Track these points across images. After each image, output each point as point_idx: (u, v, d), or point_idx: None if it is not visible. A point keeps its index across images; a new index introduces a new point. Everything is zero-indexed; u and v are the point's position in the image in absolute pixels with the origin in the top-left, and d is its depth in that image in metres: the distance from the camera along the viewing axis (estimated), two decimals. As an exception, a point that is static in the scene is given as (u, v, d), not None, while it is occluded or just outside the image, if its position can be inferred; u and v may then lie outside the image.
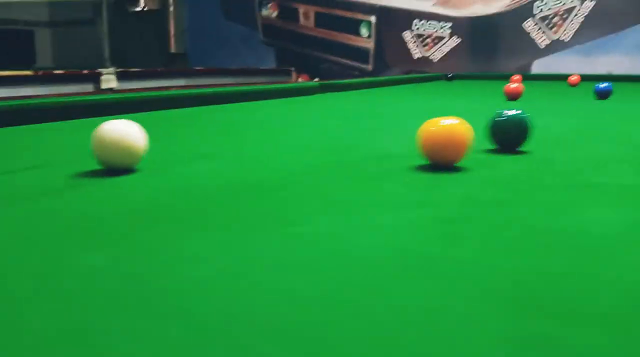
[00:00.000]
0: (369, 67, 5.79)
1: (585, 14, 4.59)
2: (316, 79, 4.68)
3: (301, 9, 6.16)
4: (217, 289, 0.37)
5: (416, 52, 5.50)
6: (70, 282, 0.38)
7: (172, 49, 7.10)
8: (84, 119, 1.45)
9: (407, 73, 5.39)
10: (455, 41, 5.27)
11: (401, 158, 0.87)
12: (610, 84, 2.21)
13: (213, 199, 0.64)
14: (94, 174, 0.74)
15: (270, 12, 6.41)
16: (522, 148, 0.95)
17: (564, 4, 4.71)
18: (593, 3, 4.56)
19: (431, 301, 0.35)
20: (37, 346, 0.29)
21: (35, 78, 3.05)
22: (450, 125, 0.78)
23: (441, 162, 0.80)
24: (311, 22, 6.12)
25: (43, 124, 1.32)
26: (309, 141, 1.11)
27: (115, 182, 0.70)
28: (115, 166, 0.75)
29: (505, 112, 0.93)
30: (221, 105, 1.90)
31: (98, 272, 0.40)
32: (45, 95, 2.23)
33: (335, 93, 2.62)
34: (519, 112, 0.93)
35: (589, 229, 0.51)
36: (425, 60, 5.45)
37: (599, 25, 4.58)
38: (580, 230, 0.51)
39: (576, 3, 4.65)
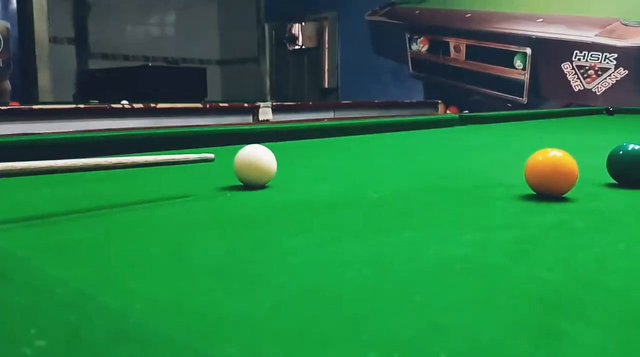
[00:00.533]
0: (523, 99, 5.60)
1: None
2: (465, 112, 4.66)
3: (452, 42, 6.19)
4: (303, 272, 0.48)
5: (576, 84, 5.20)
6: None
7: (325, 84, 7.54)
8: (240, 146, 1.68)
9: (566, 106, 5.11)
10: (621, 73, 4.89)
11: (512, 187, 0.91)
12: None
13: (322, 210, 0.76)
14: (235, 187, 0.91)
15: (420, 46, 6.54)
16: (644, 183, 0.93)
17: None
18: None
19: (480, 295, 0.42)
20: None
21: (203, 110, 3.51)
22: (554, 157, 0.81)
23: (546, 192, 0.83)
24: (462, 55, 6.11)
25: (207, 148, 1.56)
26: (428, 168, 1.19)
27: (250, 195, 0.86)
28: (250, 183, 0.91)
29: (626, 146, 0.92)
30: (358, 136, 2.04)
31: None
32: (211, 124, 2.58)
33: (477, 125, 2.63)
34: (638, 147, 0.91)
35: (664, 256, 0.53)
36: (586, 92, 5.12)
37: None
38: (654, 256, 0.53)
39: None
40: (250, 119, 3.74)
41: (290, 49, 7.61)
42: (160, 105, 3.28)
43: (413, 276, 0.47)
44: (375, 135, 2.10)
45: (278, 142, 1.79)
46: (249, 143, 0.96)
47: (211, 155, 0.91)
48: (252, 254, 0.54)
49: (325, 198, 0.85)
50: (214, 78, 8.10)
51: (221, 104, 3.86)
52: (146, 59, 7.81)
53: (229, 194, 0.87)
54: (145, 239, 0.60)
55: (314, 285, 0.45)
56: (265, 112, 3.80)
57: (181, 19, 8.43)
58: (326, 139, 1.92)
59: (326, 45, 7.46)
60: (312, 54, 7.61)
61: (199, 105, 3.62)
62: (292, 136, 1.89)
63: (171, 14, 8.40)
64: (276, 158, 0.92)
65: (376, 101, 5.43)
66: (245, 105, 3.84)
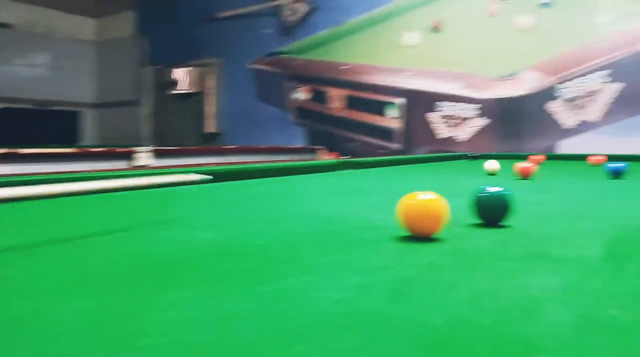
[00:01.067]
0: (397, 146, 5.96)
1: (613, 95, 4.68)
2: (347, 157, 4.84)
3: (332, 92, 6.47)
4: (181, 329, 0.45)
5: (442, 132, 5.65)
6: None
7: (208, 129, 7.48)
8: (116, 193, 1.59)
9: (433, 152, 5.52)
10: (481, 122, 5.40)
11: (388, 229, 0.95)
12: (625, 163, 2.25)
13: (204, 260, 0.73)
14: (109, 234, 0.85)
15: (302, 95, 6.76)
16: (504, 222, 1.02)
17: (590, 85, 4.82)
18: (623, 85, 4.65)
19: (363, 342, 0.42)
20: None
21: (74, 155, 3.30)
22: (426, 199, 0.86)
23: (419, 233, 0.88)
24: (341, 104, 6.40)
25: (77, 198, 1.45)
26: (311, 212, 1.21)
27: (129, 243, 0.80)
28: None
29: (487, 189, 1.01)
30: (243, 181, 2.03)
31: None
32: (83, 171, 2.42)
33: (357, 170, 2.74)
34: (500, 189, 1.00)
35: (522, 292, 0.58)
36: (451, 140, 5.58)
37: (626, 107, 4.65)
38: (513, 291, 0.57)
39: (602, 85, 4.75)
40: (124, 164, 3.58)
41: (173, 93, 7.48)
42: (24, 151, 3.02)
43: (296, 325, 0.47)
44: (259, 180, 2.10)
45: (157, 189, 1.72)
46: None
47: (207, 177, 0.91)
48: (129, 310, 0.50)
49: (207, 247, 0.82)
50: (88, 122, 7.68)
51: (94, 149, 3.65)
52: (12, 100, 7.22)
53: (100, 240, 0.81)
54: (3, 298, 0.54)
55: (191, 343, 0.43)
56: (144, 157, 3.65)
57: (56, 59, 7.96)
58: (209, 184, 1.89)
59: (210, 91, 7.44)
60: (195, 99, 7.54)
61: (71, 150, 3.39)
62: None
63: (44, 54, 7.91)
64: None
65: (260, 146, 5.48)
66: (120, 150, 3.67)
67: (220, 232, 0.96)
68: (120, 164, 3.50)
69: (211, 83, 7.42)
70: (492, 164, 2.50)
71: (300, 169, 2.46)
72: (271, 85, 7.02)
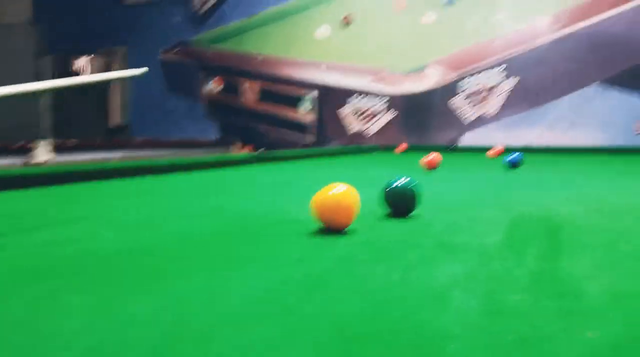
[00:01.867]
0: (312, 139, 6.00)
1: (509, 90, 4.99)
2: (262, 150, 4.81)
3: (245, 84, 6.39)
4: (84, 336, 0.42)
5: (355, 126, 5.76)
6: None
7: (114, 121, 7.13)
8: (11, 191, 1.47)
9: (347, 144, 5.63)
10: (390, 116, 5.57)
11: (304, 223, 0.95)
12: (520, 154, 2.41)
13: (108, 261, 0.69)
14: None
15: (215, 86, 6.61)
16: (413, 213, 1.05)
17: (490, 80, 5.12)
18: (516, 80, 4.97)
19: (281, 339, 0.41)
20: None
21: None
22: (338, 193, 0.87)
23: (332, 226, 0.88)
24: (255, 96, 6.34)
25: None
26: (225, 208, 1.18)
27: (28, 244, 0.74)
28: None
29: (396, 181, 1.04)
30: (151, 176, 1.95)
31: None
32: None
33: (270, 164, 2.72)
34: (407, 181, 1.03)
35: (431, 281, 0.60)
36: (364, 133, 5.70)
37: (522, 101, 4.98)
38: (422, 280, 0.59)
39: (500, 80, 5.07)
40: (23, 160, 3.32)
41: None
42: None
43: (211, 324, 0.45)
44: (170, 175, 2.03)
45: (58, 186, 1.61)
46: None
47: (144, 69, 0.83)
48: (24, 317, 0.46)
49: (112, 247, 0.78)
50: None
51: (-13, 144, 3.36)
52: None
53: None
54: None
55: (94, 348, 0.40)
56: (44, 153, 3.41)
57: None
58: (115, 180, 1.79)
59: (115, 81, 7.08)
60: (100, 90, 7.14)
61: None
62: (75, 178, 1.71)
63: None
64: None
65: (171, 140, 5.30)
66: (18, 145, 3.40)
67: (125, 231, 0.91)
68: (17, 161, 3.25)
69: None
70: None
71: (213, 163, 2.41)
72: (181, 76, 6.81)
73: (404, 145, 4.09)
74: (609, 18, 4.71)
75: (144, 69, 0.86)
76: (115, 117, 7.12)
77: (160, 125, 6.88)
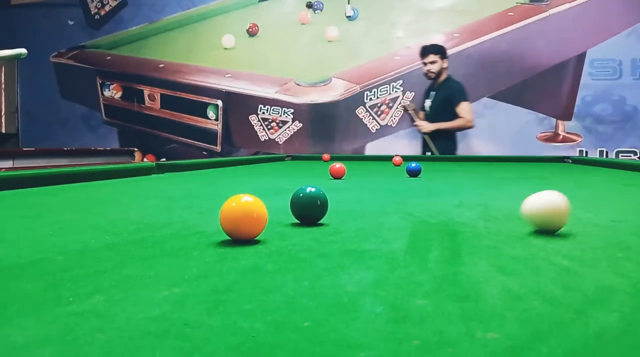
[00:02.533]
0: (217, 148, 5.89)
1: (407, 103, 5.21)
2: (163, 160, 4.63)
3: (146, 91, 6.15)
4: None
5: (262, 135, 5.74)
6: None
7: (2, 129, 6.57)
8: None
9: (254, 154, 5.58)
10: (297, 125, 5.61)
11: (209, 235, 0.92)
12: (419, 164, 2.52)
13: (-13, 283, 0.62)
14: None
15: (113, 93, 6.30)
16: (320, 221, 1.06)
17: (389, 93, 5.33)
18: (412, 94, 5.22)
19: (162, 361, 0.39)
20: None
21: None
22: (245, 202, 0.85)
23: (240, 237, 0.86)
24: (157, 103, 6.12)
25: None
26: (122, 221, 1.11)
27: None
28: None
29: (303, 190, 1.03)
30: (42, 188, 1.80)
31: None
32: None
33: (174, 173, 2.63)
34: (314, 189, 1.03)
35: (339, 289, 0.59)
36: (271, 142, 5.69)
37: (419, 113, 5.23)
38: (331, 289, 0.59)
39: (399, 93, 5.29)
40: None
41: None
42: None
43: (102, 350, 0.42)
44: (63, 186, 1.89)
45: None
46: None
47: (23, 50, 0.71)
48: None
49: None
50: None
51: None
52: None
53: None
54: None
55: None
56: None
57: None
58: (1, 192, 1.64)
59: (2, 86, 6.52)
60: (-18, 95, 6.54)
61: None
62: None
63: None
64: None
65: (65, 148, 4.97)
66: None
67: (9, 248, 0.83)
68: None
69: (4, 77, 6.51)
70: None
71: (110, 173, 2.28)
72: (77, 82, 6.42)
73: (327, 156, 4.26)
74: (494, 39, 5.10)
75: (22, 50, 0.79)
76: (4, 125, 6.55)
77: (55, 133, 6.43)
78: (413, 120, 4.74)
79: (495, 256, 0.77)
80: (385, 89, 5.34)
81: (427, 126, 4.59)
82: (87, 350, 0.41)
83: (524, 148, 5.00)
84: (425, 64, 4.63)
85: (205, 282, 0.62)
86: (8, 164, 3.96)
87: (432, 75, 4.62)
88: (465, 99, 4.52)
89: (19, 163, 3.99)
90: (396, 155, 3.91)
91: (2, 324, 0.47)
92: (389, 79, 5.35)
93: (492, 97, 5.15)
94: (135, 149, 5.74)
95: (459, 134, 4.71)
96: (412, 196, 1.65)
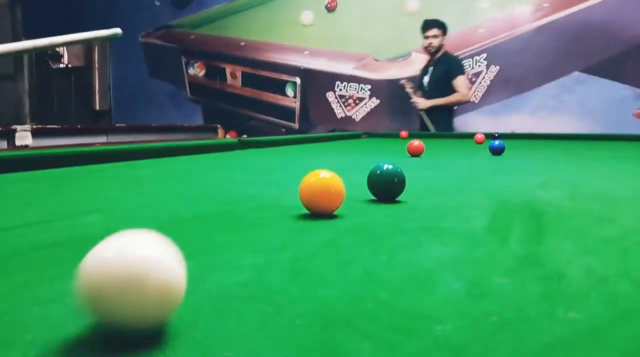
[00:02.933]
0: (295, 125, 5.97)
1: (491, 78, 5.01)
2: (244, 136, 4.78)
3: (228, 69, 6.32)
4: (67, 322, 0.42)
5: (339, 112, 5.75)
6: None
7: (96, 106, 7.02)
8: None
9: (331, 131, 5.61)
10: (374, 102, 5.56)
11: (288, 208, 0.95)
12: (502, 142, 2.43)
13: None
14: None
15: (197, 71, 6.53)
16: (397, 198, 1.06)
17: (472, 68, 5.14)
18: (497, 68, 5.00)
19: (261, 321, 0.41)
20: None
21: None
22: (324, 178, 0.87)
23: (319, 211, 0.89)
24: (238, 81, 6.28)
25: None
26: (208, 193, 1.17)
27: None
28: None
29: (380, 166, 1.04)
30: (134, 161, 1.93)
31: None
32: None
33: (255, 149, 2.71)
34: (393, 166, 1.03)
35: (417, 264, 0.60)
36: (347, 119, 5.69)
37: (503, 89, 5.02)
38: (408, 264, 0.60)
39: (483, 68, 5.09)
40: (5, 144, 3.26)
41: (55, 67, 6.89)
42: None
43: (194, 310, 0.45)
44: (152, 160, 2.01)
45: (39, 171, 1.59)
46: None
47: (118, 30, 0.82)
48: (3, 305, 0.45)
49: (94, 232, 0.77)
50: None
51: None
52: None
53: (-29, 235, 0.73)
54: None
55: (80, 336, 0.39)
56: (23, 137, 3.35)
57: None
58: (97, 165, 1.77)
59: (96, 65, 6.95)
60: (81, 74, 7.01)
61: None
62: (56, 163, 1.69)
63: None
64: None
65: (153, 125, 5.24)
66: (1, 128, 3.34)
67: (109, 216, 0.90)
68: (2, 144, 3.19)
69: (98, 57, 6.93)
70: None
71: (196, 149, 2.39)
72: (164, 60, 6.71)
73: (405, 133, 4.25)
74: (589, 7, 4.75)
75: (117, 30, 0.85)
76: (98, 102, 7.00)
77: (144, 110, 6.79)
78: (410, 98, 4.73)
79: (581, 237, 0.75)
80: (468, 63, 5.15)
81: (424, 103, 4.58)
82: (179, 311, 0.45)
83: (618, 125, 4.66)
84: (427, 37, 4.58)
85: (286, 252, 0.65)
86: (102, 139, 4.25)
87: (433, 49, 4.63)
88: (462, 73, 4.45)
89: (112, 138, 4.27)
90: (479, 133, 3.78)
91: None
92: (472, 52, 5.15)
93: (584, 71, 4.83)
94: (219, 126, 5.95)
95: (546, 111, 4.49)
96: (494, 174, 1.60)
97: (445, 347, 0.37)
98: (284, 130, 5.96)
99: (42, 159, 1.67)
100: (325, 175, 0.88)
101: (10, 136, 3.33)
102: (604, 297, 0.49)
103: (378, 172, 1.03)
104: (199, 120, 6.48)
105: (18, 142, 3.34)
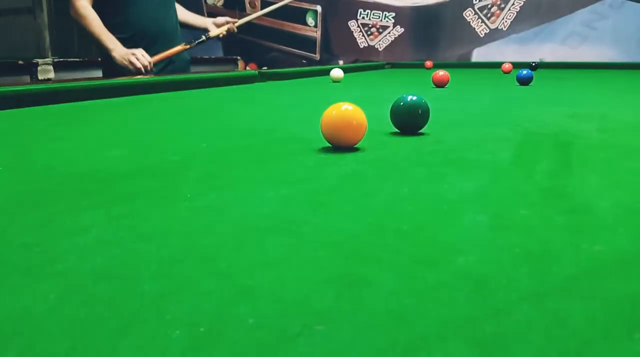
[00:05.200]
0: (316, 56, 5.85)
1: (521, 4, 4.78)
2: (264, 68, 4.71)
3: (246, -2, 6.15)
4: (94, 253, 0.43)
5: (362, 41, 5.59)
6: None
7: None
8: (17, 109, 1.46)
9: (353, 62, 5.49)
10: (398, 31, 5.38)
11: (310, 141, 0.94)
12: (530, 71, 2.35)
13: (116, 180, 0.69)
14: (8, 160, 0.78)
15: (216, 0, 6.37)
16: (421, 130, 1.04)
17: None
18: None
19: (284, 252, 0.42)
20: None
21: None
22: (346, 110, 0.86)
23: (340, 144, 0.88)
24: (257, 9, 6.11)
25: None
26: (229, 126, 1.17)
27: (29, 166, 0.74)
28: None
29: (404, 98, 1.01)
30: (154, 94, 1.92)
31: None
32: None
33: (276, 81, 2.68)
34: (416, 97, 1.01)
35: (440, 197, 0.60)
36: (370, 49, 5.55)
37: (533, 16, 4.79)
38: (430, 196, 0.59)
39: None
40: (28, 78, 3.27)
41: None
42: None
43: (218, 241, 0.46)
44: (173, 93, 2.00)
45: (61, 104, 1.60)
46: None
47: None
48: (32, 238, 0.47)
49: (119, 166, 0.78)
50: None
51: (-13, 62, 3.29)
52: None
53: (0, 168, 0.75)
54: None
55: (108, 266, 0.41)
56: (46, 71, 3.35)
57: None
58: (118, 98, 1.77)
59: None
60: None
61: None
62: (78, 96, 1.69)
63: None
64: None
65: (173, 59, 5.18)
66: (21, 62, 3.34)
67: (132, 150, 0.91)
68: (25, 78, 3.20)
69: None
70: (336, 72, 2.57)
71: (216, 81, 2.36)
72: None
73: (429, 63, 4.17)
74: None
75: None
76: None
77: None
78: None
79: (610, 169, 0.73)
80: (495, -12, 4.91)
81: None
82: (204, 242, 0.46)
83: (655, 54, 4.45)
84: None
85: (308, 184, 0.65)
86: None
87: None
88: None
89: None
90: (506, 63, 3.66)
91: (132, 215, 0.53)
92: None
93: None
94: (238, 58, 5.86)
95: (577, 39, 4.29)
96: (521, 106, 1.56)
97: (467, 278, 0.37)
98: (305, 61, 5.85)
99: (66, 92, 1.67)
100: (347, 107, 0.86)
101: (32, 70, 3.34)
102: (631, 230, 0.48)
103: (401, 103, 1.01)
104: (219, 53, 6.38)
105: (41, 76, 3.35)
